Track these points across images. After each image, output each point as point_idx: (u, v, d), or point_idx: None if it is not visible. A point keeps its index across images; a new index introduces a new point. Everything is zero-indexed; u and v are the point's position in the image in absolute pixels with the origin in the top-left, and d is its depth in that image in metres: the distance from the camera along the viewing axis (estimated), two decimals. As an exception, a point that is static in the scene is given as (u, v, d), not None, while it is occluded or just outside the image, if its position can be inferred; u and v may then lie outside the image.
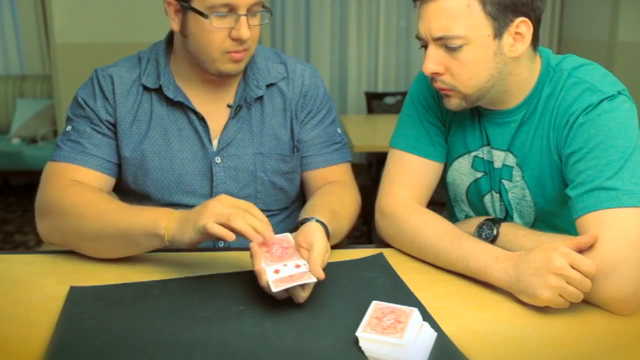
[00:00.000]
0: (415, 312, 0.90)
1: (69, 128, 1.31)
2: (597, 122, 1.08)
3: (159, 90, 1.31)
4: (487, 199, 1.30)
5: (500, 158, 1.24)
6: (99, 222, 1.14)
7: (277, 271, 0.98)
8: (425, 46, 1.13)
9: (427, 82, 1.28)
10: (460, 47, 1.08)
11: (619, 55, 3.92)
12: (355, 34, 4.64)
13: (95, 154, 1.28)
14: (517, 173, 1.23)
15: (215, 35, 1.20)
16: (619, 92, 1.11)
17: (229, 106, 1.35)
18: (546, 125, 1.17)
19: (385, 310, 0.91)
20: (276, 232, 1.14)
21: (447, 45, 1.09)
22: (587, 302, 1.00)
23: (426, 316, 0.95)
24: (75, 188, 1.22)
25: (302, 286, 0.98)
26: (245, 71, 1.34)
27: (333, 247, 1.14)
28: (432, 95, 1.30)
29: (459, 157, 1.30)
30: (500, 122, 1.22)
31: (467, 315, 1.00)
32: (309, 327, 0.93)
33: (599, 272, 0.97)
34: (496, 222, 1.22)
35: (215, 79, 1.32)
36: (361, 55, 4.68)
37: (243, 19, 1.19)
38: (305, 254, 1.03)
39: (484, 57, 1.10)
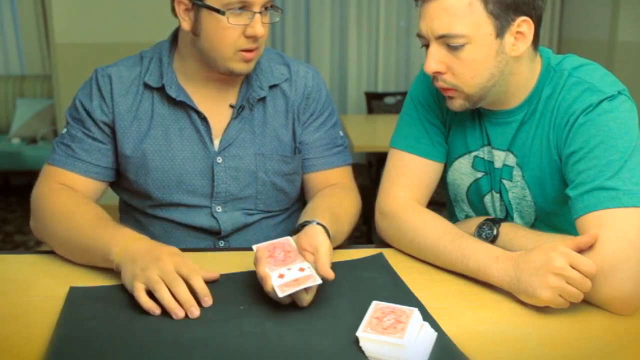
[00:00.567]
0: (415, 312, 0.90)
1: (64, 131, 1.33)
2: (597, 122, 1.08)
3: (161, 89, 1.31)
4: (487, 199, 1.30)
5: (500, 158, 1.24)
6: (68, 231, 1.17)
7: (281, 275, 0.97)
8: (426, 45, 1.13)
9: (428, 82, 1.28)
10: (462, 46, 1.08)
11: (619, 55, 3.91)
12: (355, 34, 4.63)
13: (84, 159, 1.29)
14: (517, 173, 1.23)
15: (230, 32, 1.20)
16: (619, 92, 1.11)
17: (231, 106, 1.34)
18: (546, 125, 1.17)
19: (385, 310, 0.91)
20: (276, 233, 1.15)
21: (449, 44, 1.09)
22: (587, 302, 1.00)
23: (426, 316, 0.95)
24: (59, 193, 1.25)
25: (306, 290, 0.97)
26: None
27: (333, 248, 1.14)
28: (433, 95, 1.29)
29: (460, 157, 1.30)
30: (500, 122, 1.22)
31: (467, 315, 1.00)
32: (309, 327, 0.93)
33: (599, 272, 0.97)
34: (496, 222, 1.22)
35: (220, 79, 1.32)
36: (361, 55, 4.68)
37: (257, 16, 1.20)
38: (309, 257, 1.02)
39: (485, 56, 1.10)
